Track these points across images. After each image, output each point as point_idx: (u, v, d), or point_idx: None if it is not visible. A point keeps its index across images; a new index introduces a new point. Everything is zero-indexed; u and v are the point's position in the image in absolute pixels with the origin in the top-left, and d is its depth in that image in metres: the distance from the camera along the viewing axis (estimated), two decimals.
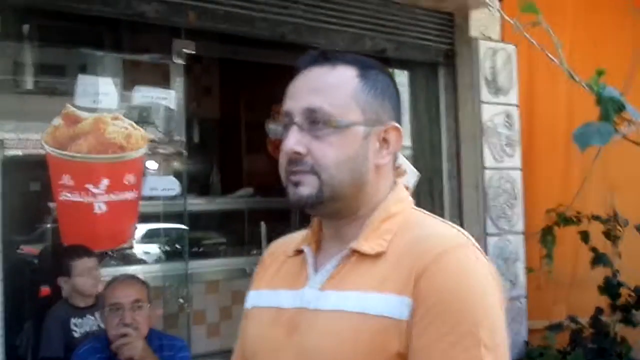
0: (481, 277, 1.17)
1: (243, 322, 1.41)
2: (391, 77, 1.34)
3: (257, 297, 1.38)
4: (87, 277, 3.47)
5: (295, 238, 1.39)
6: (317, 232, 1.34)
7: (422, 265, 1.15)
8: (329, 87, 1.24)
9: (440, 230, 1.25)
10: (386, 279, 1.17)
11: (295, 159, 1.23)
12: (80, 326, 3.47)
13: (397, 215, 1.27)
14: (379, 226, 1.25)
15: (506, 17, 2.02)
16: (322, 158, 1.22)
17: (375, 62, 1.34)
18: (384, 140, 1.27)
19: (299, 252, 1.34)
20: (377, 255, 1.21)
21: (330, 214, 1.28)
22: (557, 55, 2.56)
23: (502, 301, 1.20)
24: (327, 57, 1.28)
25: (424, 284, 1.14)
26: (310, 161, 1.22)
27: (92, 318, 3.46)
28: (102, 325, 3.21)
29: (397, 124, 1.29)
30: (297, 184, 1.23)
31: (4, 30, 3.03)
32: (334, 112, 1.22)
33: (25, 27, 4.35)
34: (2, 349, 3.03)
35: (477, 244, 1.23)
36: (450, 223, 1.29)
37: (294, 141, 1.22)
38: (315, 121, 1.22)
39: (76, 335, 3.43)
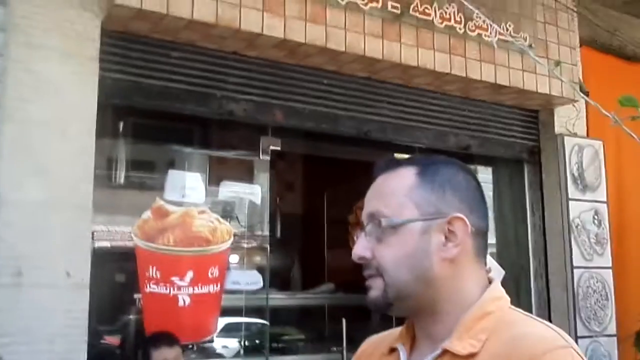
0: None
1: None
2: (460, 169, 1.31)
3: None
4: None
5: (390, 335, 1.37)
6: (412, 329, 1.32)
7: None
8: (386, 190, 1.28)
9: (538, 331, 1.19)
10: None
11: (364, 264, 1.27)
12: None
13: (492, 314, 1.23)
14: (473, 325, 1.21)
15: (603, 111, 1.98)
16: (382, 259, 1.24)
17: (442, 158, 1.34)
18: (450, 232, 1.25)
19: (393, 349, 1.32)
20: (470, 356, 1.17)
21: (406, 313, 1.29)
22: None
23: None
24: (390, 163, 1.31)
25: None
26: (375, 264, 1.25)
27: None
28: None
29: (459, 215, 1.25)
30: (369, 288, 1.27)
31: (100, 128, 3.17)
32: (388, 213, 1.25)
33: (120, 125, 4.55)
34: None
35: (578, 349, 1.17)
36: (549, 324, 1.23)
37: (359, 248, 1.27)
38: (376, 225, 1.25)
39: None
